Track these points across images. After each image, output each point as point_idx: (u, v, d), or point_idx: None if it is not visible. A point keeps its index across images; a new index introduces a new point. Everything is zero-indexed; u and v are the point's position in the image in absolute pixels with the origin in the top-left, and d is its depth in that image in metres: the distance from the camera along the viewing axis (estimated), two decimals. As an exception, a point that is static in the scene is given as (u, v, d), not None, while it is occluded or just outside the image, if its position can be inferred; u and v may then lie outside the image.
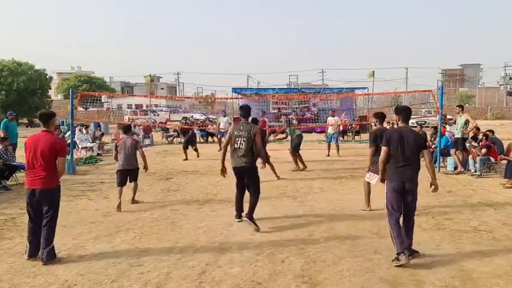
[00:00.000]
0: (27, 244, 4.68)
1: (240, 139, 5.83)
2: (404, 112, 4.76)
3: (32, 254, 4.63)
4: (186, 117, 21.03)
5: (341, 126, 21.09)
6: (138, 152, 7.42)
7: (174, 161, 13.06)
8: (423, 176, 4.85)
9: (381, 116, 6.99)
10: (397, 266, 4.33)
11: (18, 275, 4.28)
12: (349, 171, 10.95)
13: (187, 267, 4.44)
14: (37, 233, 4.65)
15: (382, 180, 4.84)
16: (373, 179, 6.63)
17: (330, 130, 14.46)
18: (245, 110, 6.18)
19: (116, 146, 7.45)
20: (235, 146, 5.86)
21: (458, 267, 4.34)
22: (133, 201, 7.39)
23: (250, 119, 6.39)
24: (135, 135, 19.36)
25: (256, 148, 5.82)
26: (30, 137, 4.80)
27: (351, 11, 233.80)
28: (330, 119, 14.78)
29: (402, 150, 4.51)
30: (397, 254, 4.39)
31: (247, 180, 5.96)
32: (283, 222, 6.15)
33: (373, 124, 7.25)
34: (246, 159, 5.79)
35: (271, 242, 5.25)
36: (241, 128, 5.90)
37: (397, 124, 4.93)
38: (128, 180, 7.36)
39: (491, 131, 11.11)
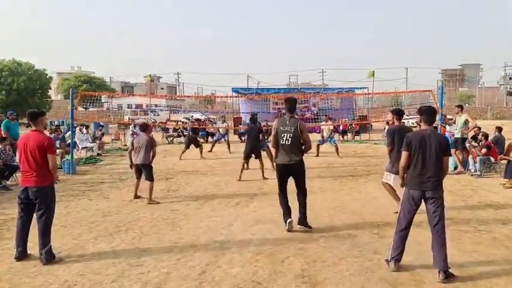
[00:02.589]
0: (15, 246, 4.70)
1: (286, 134, 5.49)
2: (427, 113, 4.37)
3: (20, 256, 4.64)
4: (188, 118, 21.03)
5: (341, 126, 21.22)
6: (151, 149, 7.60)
7: (174, 161, 13.06)
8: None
9: (399, 113, 6.64)
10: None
11: (18, 275, 4.28)
12: (349, 171, 10.96)
13: (187, 267, 4.44)
14: (24, 234, 4.70)
15: (402, 185, 4.58)
16: (390, 178, 6.45)
17: (325, 134, 14.48)
18: (290, 103, 5.68)
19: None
20: (281, 141, 5.52)
21: (458, 267, 4.33)
22: (149, 201, 7.40)
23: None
24: (135, 135, 19.48)
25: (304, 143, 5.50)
26: (21, 137, 4.87)
27: (351, 11, 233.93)
28: (324, 125, 14.85)
29: (423, 155, 4.19)
30: (388, 259, 4.36)
31: (296, 178, 5.63)
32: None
33: (390, 121, 7.05)
34: (294, 155, 5.47)
35: (271, 242, 5.25)
36: (287, 122, 5.53)
37: (419, 126, 4.59)
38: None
39: (499, 128, 10.96)
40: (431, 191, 4.20)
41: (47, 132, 12.18)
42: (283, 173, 5.67)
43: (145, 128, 8.00)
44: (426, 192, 4.22)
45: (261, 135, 10.35)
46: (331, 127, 14.92)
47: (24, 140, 4.69)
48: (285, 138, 5.48)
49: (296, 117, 5.66)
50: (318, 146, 14.22)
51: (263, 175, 9.75)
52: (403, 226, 4.34)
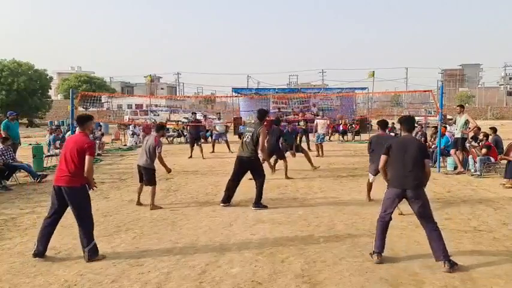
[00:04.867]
0: (36, 242, 4.69)
1: (248, 134, 6.97)
2: (406, 122, 4.81)
3: (38, 253, 4.64)
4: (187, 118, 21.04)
5: (341, 126, 21.22)
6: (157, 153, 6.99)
7: (174, 161, 13.05)
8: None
9: (381, 124, 7.47)
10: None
11: (18, 275, 4.28)
12: (349, 171, 10.96)
13: (187, 267, 4.44)
14: (49, 232, 4.71)
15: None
16: (370, 178, 7.29)
17: (319, 129, 14.60)
18: (260, 114, 7.27)
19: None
20: (244, 139, 7.03)
21: (458, 267, 4.33)
22: (151, 207, 6.92)
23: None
24: (135, 136, 19.47)
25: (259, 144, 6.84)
26: (69, 137, 5.06)
27: (352, 11, 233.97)
28: (319, 121, 15.06)
29: (402, 157, 4.52)
30: (372, 252, 4.57)
31: (251, 170, 7.11)
32: (284, 222, 6.15)
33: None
34: (250, 150, 6.92)
35: (271, 242, 5.25)
36: (253, 125, 7.13)
37: (401, 133, 5.01)
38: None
39: (494, 129, 10.99)
40: (412, 190, 4.44)
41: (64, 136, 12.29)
42: (238, 164, 7.07)
43: (159, 128, 7.38)
44: (407, 191, 4.46)
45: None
46: (327, 123, 15.06)
47: (68, 140, 4.94)
48: (246, 136, 6.97)
49: (262, 124, 7.09)
50: (316, 145, 14.22)
51: (286, 174, 9.81)
52: (381, 218, 4.62)
